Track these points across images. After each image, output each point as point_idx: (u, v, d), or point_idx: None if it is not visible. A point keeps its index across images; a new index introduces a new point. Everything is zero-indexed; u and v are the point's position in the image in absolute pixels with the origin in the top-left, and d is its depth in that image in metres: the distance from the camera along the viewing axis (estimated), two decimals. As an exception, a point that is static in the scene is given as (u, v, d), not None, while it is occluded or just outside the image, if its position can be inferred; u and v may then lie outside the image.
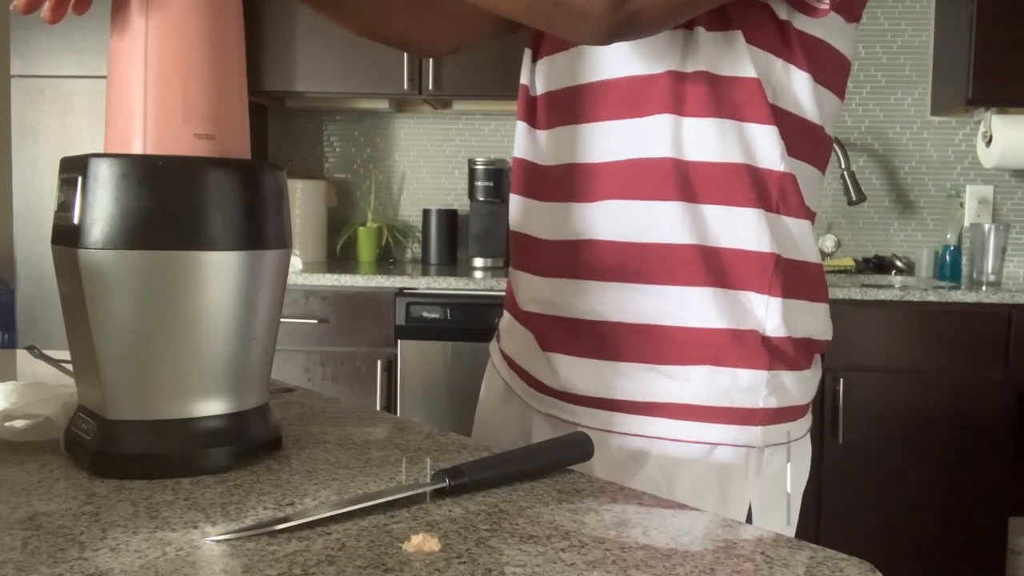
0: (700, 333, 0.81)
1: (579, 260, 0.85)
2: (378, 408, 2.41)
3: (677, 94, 0.79)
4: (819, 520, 2.54)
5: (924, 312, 2.50)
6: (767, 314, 0.81)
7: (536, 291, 0.90)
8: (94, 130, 2.68)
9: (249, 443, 0.67)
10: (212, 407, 0.65)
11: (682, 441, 0.81)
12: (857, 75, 3.10)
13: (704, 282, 0.81)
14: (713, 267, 0.81)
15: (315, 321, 2.57)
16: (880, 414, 2.52)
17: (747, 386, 0.81)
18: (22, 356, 1.10)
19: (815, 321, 0.85)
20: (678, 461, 0.81)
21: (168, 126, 0.64)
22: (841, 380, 2.51)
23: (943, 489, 2.52)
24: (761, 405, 0.82)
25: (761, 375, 0.81)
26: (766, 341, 0.81)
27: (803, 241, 0.84)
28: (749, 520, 0.81)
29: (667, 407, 0.82)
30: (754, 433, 0.81)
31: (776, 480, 0.84)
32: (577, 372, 0.86)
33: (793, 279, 0.82)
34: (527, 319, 0.92)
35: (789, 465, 0.85)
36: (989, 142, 2.86)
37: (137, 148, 0.64)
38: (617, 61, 0.82)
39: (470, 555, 0.50)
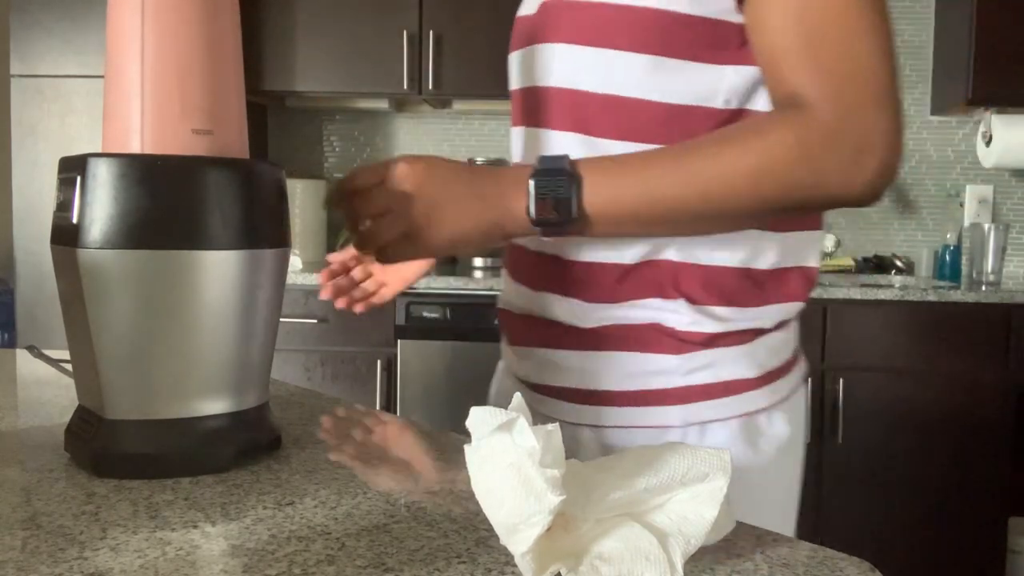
0: (621, 328, 0.83)
1: (507, 262, 0.94)
2: (378, 408, 2.40)
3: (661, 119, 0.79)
4: (819, 520, 2.54)
5: (924, 312, 2.50)
6: (680, 313, 0.82)
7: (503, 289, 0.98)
8: (94, 130, 2.68)
9: (249, 443, 0.67)
10: (212, 407, 0.65)
11: (618, 427, 0.84)
12: (857, 75, 3.10)
13: (626, 297, 0.83)
14: (640, 281, 0.82)
15: (315, 321, 2.57)
16: (880, 414, 2.52)
17: (669, 368, 0.82)
18: (22, 356, 1.10)
19: (740, 312, 0.84)
20: (612, 447, 0.84)
21: (165, 122, 0.64)
22: (841, 380, 2.51)
23: (943, 489, 2.51)
24: (681, 384, 0.82)
25: (681, 358, 0.82)
26: (680, 334, 0.82)
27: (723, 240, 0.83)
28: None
29: (601, 395, 0.85)
30: (692, 411, 0.82)
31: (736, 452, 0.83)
32: (526, 362, 0.91)
33: (717, 281, 0.82)
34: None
35: (741, 438, 0.84)
36: (989, 142, 2.86)
37: (135, 144, 0.64)
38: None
39: (470, 555, 0.50)
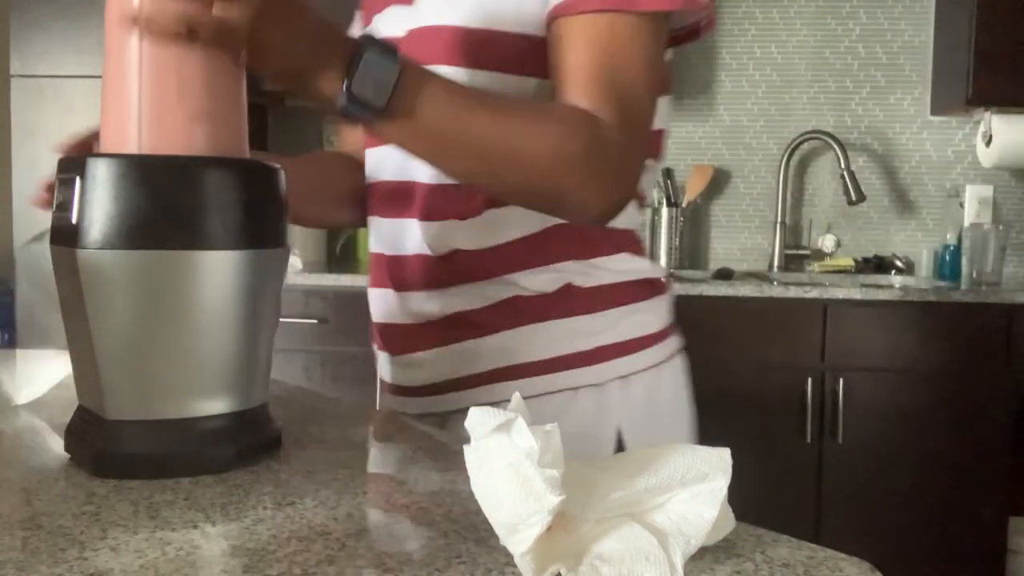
0: (528, 299, 0.90)
1: (381, 274, 0.97)
2: (378, 408, 2.40)
3: None
4: (819, 520, 2.54)
5: (924, 312, 2.50)
6: (581, 273, 0.91)
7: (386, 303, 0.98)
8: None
9: (249, 443, 0.67)
10: (212, 407, 0.65)
11: (535, 396, 0.89)
12: (857, 75, 3.10)
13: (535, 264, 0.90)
14: (549, 247, 0.90)
15: (315, 321, 2.57)
16: (880, 414, 2.52)
17: (584, 331, 0.90)
18: (22, 356, 1.10)
19: (632, 265, 0.94)
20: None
21: (165, 121, 0.64)
22: (841, 380, 2.51)
23: (943, 489, 2.51)
24: (588, 347, 0.90)
25: (583, 320, 0.90)
26: (576, 291, 0.90)
27: None
28: (620, 446, 0.90)
29: (512, 369, 0.90)
30: (596, 371, 0.90)
31: (645, 403, 0.93)
32: (417, 369, 0.95)
33: (593, 242, 0.91)
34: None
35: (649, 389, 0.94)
36: (989, 142, 2.86)
37: (133, 144, 0.64)
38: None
39: (470, 555, 0.50)
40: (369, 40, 0.68)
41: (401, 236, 0.94)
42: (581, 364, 0.90)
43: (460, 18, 0.85)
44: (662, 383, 0.96)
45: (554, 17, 0.81)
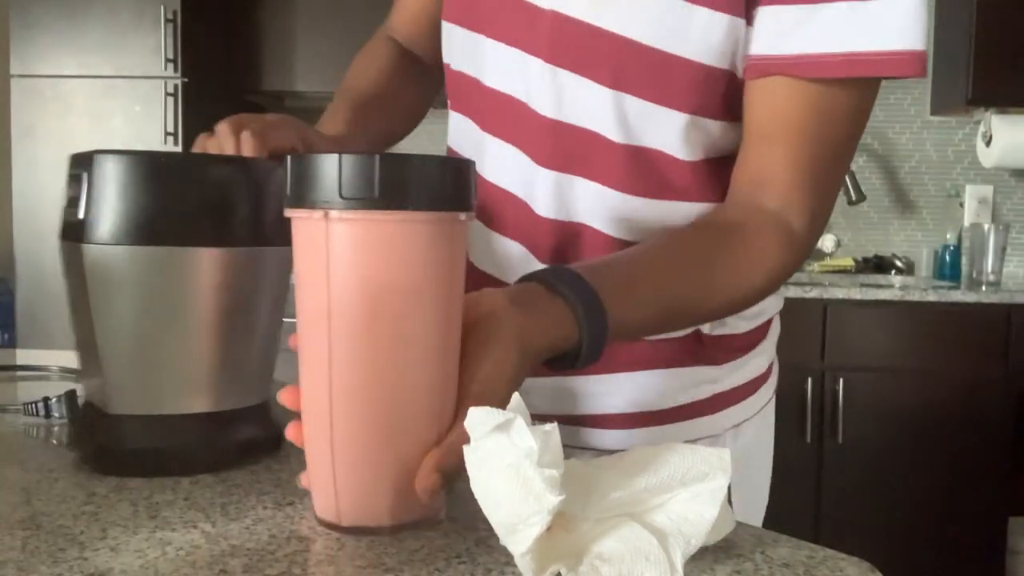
0: (646, 343, 0.78)
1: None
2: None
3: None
4: (819, 520, 2.54)
5: (924, 312, 2.50)
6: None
7: None
8: (94, 130, 2.68)
9: (250, 441, 0.67)
10: (213, 403, 0.65)
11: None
12: (857, 75, 3.11)
13: None
14: None
15: (315, 321, 2.57)
16: (880, 414, 2.52)
17: (692, 383, 0.80)
18: (22, 356, 1.11)
19: (760, 307, 0.83)
20: None
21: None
22: (841, 380, 2.51)
23: (943, 489, 2.52)
24: (707, 395, 0.80)
25: (705, 370, 0.80)
26: (705, 339, 0.80)
27: None
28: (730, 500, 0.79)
29: (609, 418, 0.80)
30: (703, 423, 0.80)
31: (752, 450, 0.85)
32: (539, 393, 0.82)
33: None
34: None
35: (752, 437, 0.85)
36: (989, 142, 2.86)
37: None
38: None
39: (470, 555, 0.50)
40: (576, 305, 0.58)
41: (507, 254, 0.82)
42: (691, 416, 0.80)
43: (631, 26, 0.70)
44: (765, 426, 0.87)
45: (771, 71, 0.69)
